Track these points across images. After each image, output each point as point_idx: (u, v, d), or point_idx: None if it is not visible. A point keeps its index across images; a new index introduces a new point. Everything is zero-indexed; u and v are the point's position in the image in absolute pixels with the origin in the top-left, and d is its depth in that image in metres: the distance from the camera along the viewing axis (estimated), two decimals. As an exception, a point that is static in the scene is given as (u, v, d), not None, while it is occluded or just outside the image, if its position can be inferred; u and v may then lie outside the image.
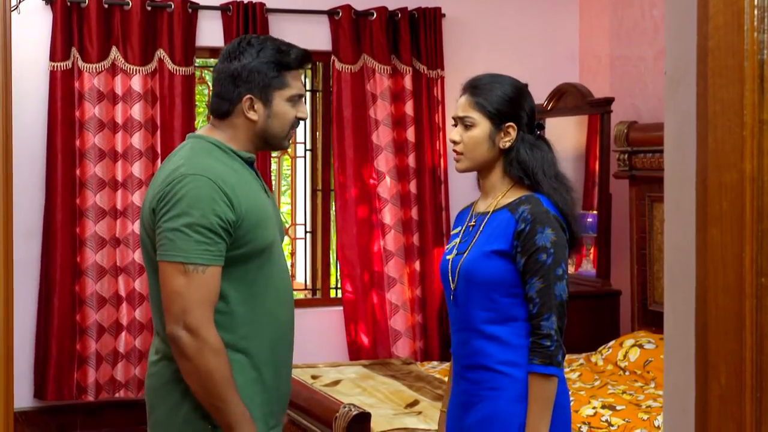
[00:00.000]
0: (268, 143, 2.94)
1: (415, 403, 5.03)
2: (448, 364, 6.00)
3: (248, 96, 2.85)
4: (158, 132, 6.43)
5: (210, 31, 6.58)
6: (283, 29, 6.53)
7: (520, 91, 2.94)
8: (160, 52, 6.43)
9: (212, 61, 6.85)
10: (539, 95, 5.64)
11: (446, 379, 4.72)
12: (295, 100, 2.90)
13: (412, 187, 6.85)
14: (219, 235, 2.72)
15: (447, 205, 6.95)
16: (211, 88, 6.95)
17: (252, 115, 2.87)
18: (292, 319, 2.97)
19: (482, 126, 2.89)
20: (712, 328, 1.61)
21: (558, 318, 2.77)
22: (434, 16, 6.88)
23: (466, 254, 2.89)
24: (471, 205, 3.09)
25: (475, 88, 2.93)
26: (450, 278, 2.95)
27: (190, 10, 6.48)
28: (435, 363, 6.04)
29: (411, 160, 6.84)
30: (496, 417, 2.82)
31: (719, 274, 1.60)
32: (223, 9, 6.54)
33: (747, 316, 1.57)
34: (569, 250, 2.90)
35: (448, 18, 7.01)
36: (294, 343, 3.02)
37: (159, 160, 6.40)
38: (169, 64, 6.43)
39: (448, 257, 2.98)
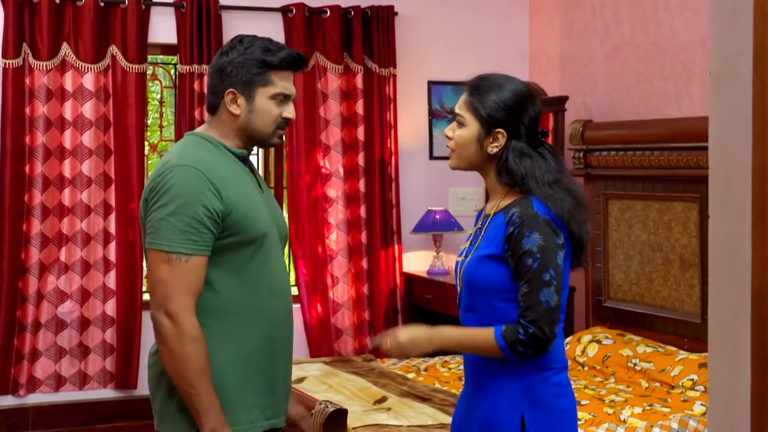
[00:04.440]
0: (253, 139, 3.00)
1: (384, 399, 5.04)
2: (419, 360, 6.00)
3: (230, 90, 2.93)
4: (111, 129, 6.36)
5: (163, 28, 6.53)
6: (236, 26, 6.50)
7: (519, 99, 2.85)
8: (113, 49, 6.36)
9: (164, 58, 6.78)
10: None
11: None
12: (280, 99, 2.96)
13: (362, 185, 6.87)
14: (205, 225, 2.79)
15: (398, 202, 6.98)
16: (163, 86, 6.89)
17: (234, 110, 2.94)
18: (287, 312, 3.02)
19: (471, 127, 2.84)
20: (773, 322, 1.65)
21: (545, 324, 2.70)
22: (387, 14, 6.90)
23: (468, 258, 2.87)
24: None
25: (474, 87, 2.88)
26: (456, 281, 2.93)
27: (143, 7, 6.41)
28: (395, 359, 6.05)
29: (361, 159, 6.86)
30: (492, 424, 2.81)
31: (779, 269, 1.65)
32: (177, 5, 6.48)
33: (809, 309, 1.62)
34: (577, 253, 2.88)
35: (400, 16, 7.03)
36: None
37: (112, 157, 6.34)
38: (122, 61, 6.36)
39: (458, 259, 2.94)
